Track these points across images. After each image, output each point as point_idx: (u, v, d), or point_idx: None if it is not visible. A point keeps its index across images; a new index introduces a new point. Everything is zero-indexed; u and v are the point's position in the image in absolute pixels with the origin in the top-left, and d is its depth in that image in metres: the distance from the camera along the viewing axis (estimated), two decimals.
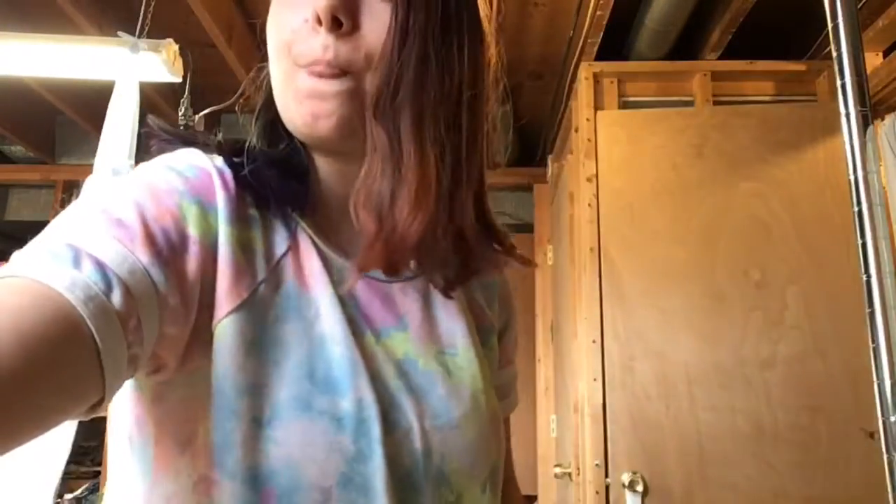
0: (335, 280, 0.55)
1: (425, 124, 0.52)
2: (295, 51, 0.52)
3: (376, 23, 0.50)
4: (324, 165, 0.58)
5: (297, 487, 0.48)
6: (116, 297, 0.41)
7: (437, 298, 0.62)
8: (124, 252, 0.44)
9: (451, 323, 0.62)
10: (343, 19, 0.49)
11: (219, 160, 0.55)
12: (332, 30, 0.49)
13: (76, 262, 0.41)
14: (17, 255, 0.42)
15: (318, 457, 0.49)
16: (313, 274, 0.55)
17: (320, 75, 0.51)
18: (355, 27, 0.50)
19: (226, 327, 0.49)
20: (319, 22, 0.50)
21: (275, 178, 0.55)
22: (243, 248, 0.52)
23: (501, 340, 0.71)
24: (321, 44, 0.50)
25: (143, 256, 0.45)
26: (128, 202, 0.48)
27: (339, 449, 0.49)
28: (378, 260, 0.52)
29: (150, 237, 0.46)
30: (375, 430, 0.51)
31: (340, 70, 0.51)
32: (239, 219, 0.53)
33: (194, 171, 0.53)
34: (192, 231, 0.49)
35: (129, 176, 0.52)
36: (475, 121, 0.56)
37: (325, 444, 0.49)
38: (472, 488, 0.57)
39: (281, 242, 0.55)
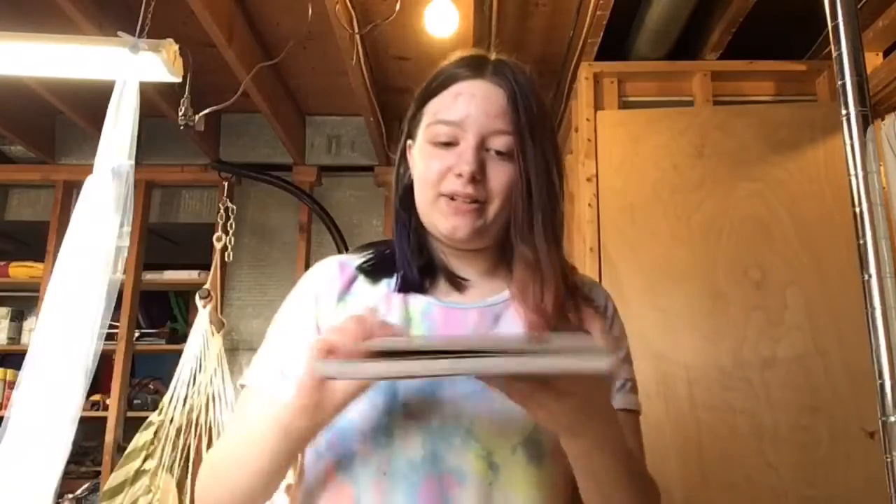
0: (410, 309, 0.85)
1: (551, 239, 0.83)
2: (440, 186, 0.82)
3: (496, 173, 0.82)
4: (442, 247, 0.89)
5: (345, 428, 0.77)
6: None
7: (508, 317, 0.85)
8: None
9: (515, 331, 0.83)
10: (477, 176, 0.81)
11: (349, 257, 0.92)
12: (470, 181, 0.80)
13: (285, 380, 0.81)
14: (258, 369, 0.86)
15: (360, 408, 0.76)
16: (390, 311, 0.85)
17: (459, 203, 0.82)
18: (483, 179, 0.81)
19: None
20: (461, 175, 0.80)
21: (390, 261, 0.89)
22: (343, 312, 0.85)
23: None
24: (462, 186, 0.81)
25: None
26: (298, 330, 0.86)
27: (374, 404, 0.77)
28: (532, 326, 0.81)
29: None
30: (401, 393, 0.77)
31: (472, 201, 0.81)
32: (344, 294, 0.87)
33: (318, 274, 0.91)
34: (323, 317, 0.86)
35: (299, 293, 0.90)
36: (563, 216, 0.87)
37: (366, 400, 0.75)
38: (502, 448, 0.76)
39: (378, 296, 0.86)
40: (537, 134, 0.83)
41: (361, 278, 0.89)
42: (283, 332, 0.87)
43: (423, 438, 0.76)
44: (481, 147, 0.81)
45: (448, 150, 0.83)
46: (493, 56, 0.88)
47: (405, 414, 0.77)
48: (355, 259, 0.92)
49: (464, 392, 0.78)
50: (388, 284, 0.88)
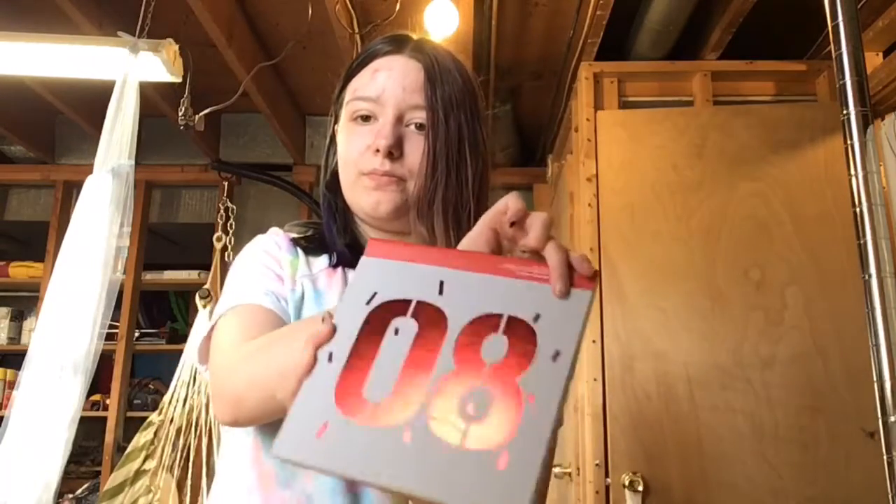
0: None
1: (450, 219, 0.81)
2: (360, 165, 0.82)
3: (414, 149, 0.81)
4: (368, 230, 0.89)
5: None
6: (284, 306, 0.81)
7: None
8: (276, 288, 0.82)
9: None
10: (394, 152, 0.80)
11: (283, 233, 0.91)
12: (386, 156, 0.80)
13: (270, 296, 0.80)
14: (234, 294, 0.81)
15: None
16: (331, 284, 0.84)
17: (378, 180, 0.81)
18: (401, 155, 0.80)
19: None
20: (378, 151, 0.79)
21: (322, 240, 0.89)
22: (293, 267, 0.85)
23: None
24: (380, 163, 0.80)
25: (280, 287, 0.82)
26: (260, 264, 0.85)
27: None
28: None
29: (277, 277, 0.83)
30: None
31: (390, 178, 0.81)
32: (294, 254, 0.86)
33: (275, 237, 0.89)
34: (283, 264, 0.85)
35: (254, 246, 0.88)
36: (484, 201, 0.85)
37: None
38: None
39: (318, 268, 0.86)
40: (452, 111, 0.82)
41: (297, 256, 0.88)
42: (256, 267, 0.84)
43: None
44: (399, 122, 0.81)
45: (367, 126, 0.82)
46: (415, 36, 0.87)
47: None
48: (292, 233, 0.91)
49: None
50: (327, 259, 0.87)
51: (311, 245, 0.88)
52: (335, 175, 0.89)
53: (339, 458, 0.51)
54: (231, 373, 0.71)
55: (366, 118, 0.82)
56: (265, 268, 0.83)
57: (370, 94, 0.82)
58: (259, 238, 0.90)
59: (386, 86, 0.82)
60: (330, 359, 0.54)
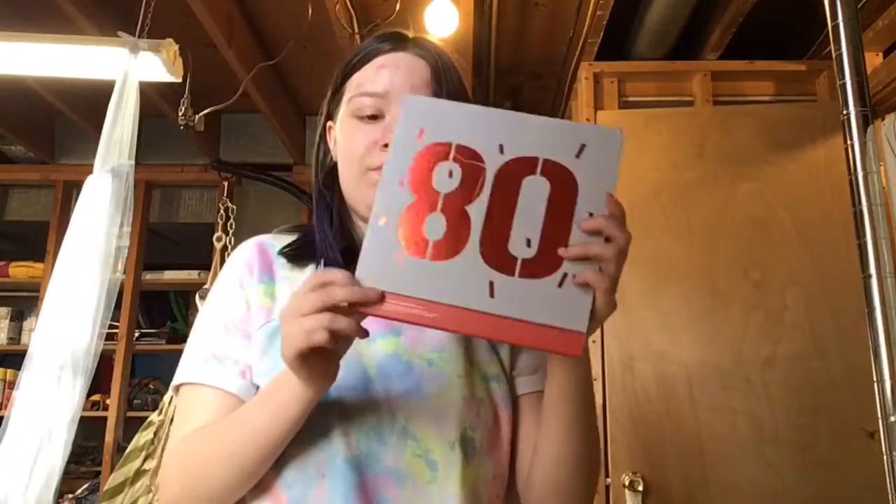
0: None
1: None
2: (368, 160, 0.79)
3: None
4: (365, 228, 0.84)
5: None
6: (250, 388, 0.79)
7: None
8: (244, 358, 0.80)
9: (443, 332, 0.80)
10: None
11: (269, 238, 0.88)
12: None
13: (241, 381, 0.79)
14: (204, 357, 0.80)
15: None
16: None
17: None
18: None
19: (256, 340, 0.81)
20: (387, 146, 0.76)
21: (311, 247, 0.85)
22: (270, 297, 0.82)
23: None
24: None
25: (246, 355, 0.80)
26: (229, 315, 0.82)
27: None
28: None
29: (244, 337, 0.81)
30: (334, 392, 0.73)
31: None
32: (267, 279, 0.83)
33: (247, 259, 0.85)
34: (254, 299, 0.82)
35: (226, 277, 0.85)
36: None
37: None
38: (440, 445, 0.75)
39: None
40: None
41: (284, 262, 0.85)
42: (215, 321, 0.82)
43: (357, 438, 0.74)
44: None
45: (373, 123, 0.80)
46: (411, 34, 0.87)
47: (340, 413, 0.74)
48: (277, 241, 0.87)
49: (399, 389, 0.76)
50: (313, 270, 0.84)
51: (297, 253, 0.85)
52: (331, 173, 0.87)
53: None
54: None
55: (372, 115, 0.81)
56: (234, 327, 0.80)
57: (377, 90, 0.81)
58: (234, 259, 0.86)
59: (393, 81, 0.81)
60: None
